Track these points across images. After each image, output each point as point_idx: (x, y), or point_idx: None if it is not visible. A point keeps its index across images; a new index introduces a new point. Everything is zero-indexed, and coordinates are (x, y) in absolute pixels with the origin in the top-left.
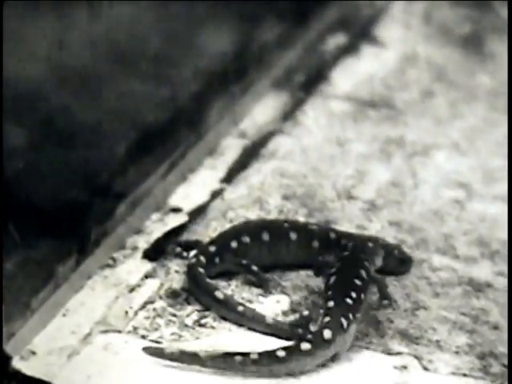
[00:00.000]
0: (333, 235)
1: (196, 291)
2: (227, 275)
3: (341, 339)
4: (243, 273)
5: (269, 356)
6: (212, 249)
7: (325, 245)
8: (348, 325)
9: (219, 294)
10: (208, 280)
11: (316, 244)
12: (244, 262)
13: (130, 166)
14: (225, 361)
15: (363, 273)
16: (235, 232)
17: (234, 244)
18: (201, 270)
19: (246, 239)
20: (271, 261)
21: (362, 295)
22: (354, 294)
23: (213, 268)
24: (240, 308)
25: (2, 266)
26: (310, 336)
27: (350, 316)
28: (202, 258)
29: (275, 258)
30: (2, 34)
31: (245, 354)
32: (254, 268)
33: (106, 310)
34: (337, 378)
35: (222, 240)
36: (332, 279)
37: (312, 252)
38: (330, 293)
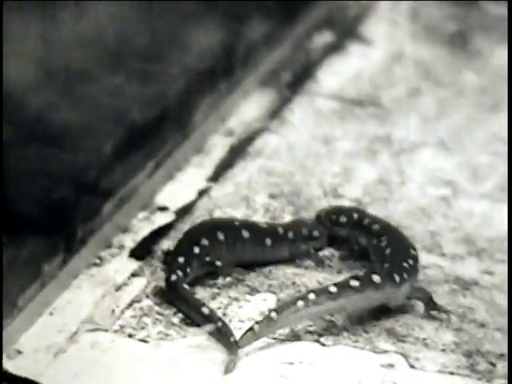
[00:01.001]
0: (281, 230)
1: (185, 309)
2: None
3: (391, 290)
4: (210, 270)
5: (323, 293)
6: (181, 260)
7: (277, 240)
8: (400, 281)
9: (205, 310)
10: (194, 296)
11: (268, 241)
12: (207, 259)
13: (116, 164)
14: (290, 309)
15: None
16: (194, 237)
17: (196, 250)
18: (185, 286)
19: (205, 242)
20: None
21: (418, 266)
22: (410, 261)
23: (186, 278)
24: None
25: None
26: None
27: (405, 275)
28: (180, 273)
29: (234, 256)
30: (2, 34)
31: (304, 298)
32: (218, 263)
33: (92, 309)
34: (324, 375)
35: (186, 248)
36: (387, 250)
37: (265, 249)
38: (386, 256)
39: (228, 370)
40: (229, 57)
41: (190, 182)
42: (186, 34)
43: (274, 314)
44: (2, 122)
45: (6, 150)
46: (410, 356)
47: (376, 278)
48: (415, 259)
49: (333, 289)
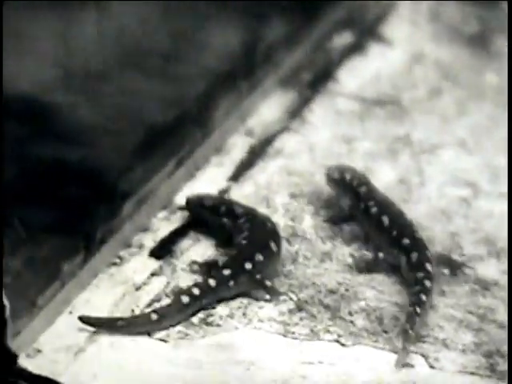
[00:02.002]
0: None
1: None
2: None
3: None
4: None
5: None
6: (226, 272)
7: None
8: None
9: None
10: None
11: None
12: (257, 277)
13: (136, 163)
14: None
15: None
16: (249, 252)
17: (248, 266)
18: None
19: (260, 257)
20: None
21: None
22: None
23: (227, 291)
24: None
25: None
26: None
27: None
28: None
29: None
30: (2, 34)
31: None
32: (268, 283)
33: (112, 308)
34: (343, 375)
35: (237, 262)
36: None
37: None
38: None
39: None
40: (249, 57)
41: (210, 182)
42: (206, 35)
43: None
44: (3, 121)
45: (28, 149)
46: (430, 356)
47: None
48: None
49: None
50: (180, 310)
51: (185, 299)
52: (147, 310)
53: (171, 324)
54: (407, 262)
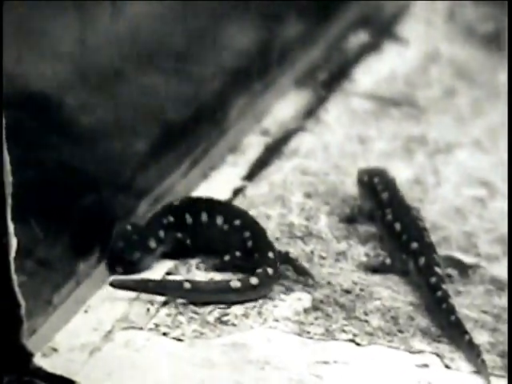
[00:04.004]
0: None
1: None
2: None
3: None
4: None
5: None
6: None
7: None
8: None
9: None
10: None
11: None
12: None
13: (152, 163)
14: None
15: None
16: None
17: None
18: None
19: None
20: None
21: None
22: None
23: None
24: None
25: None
26: None
27: None
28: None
29: None
30: (2, 34)
31: None
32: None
33: (127, 307)
34: (359, 375)
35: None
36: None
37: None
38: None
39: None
40: (264, 56)
41: (225, 181)
42: (221, 34)
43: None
44: (3, 120)
45: (43, 148)
46: (445, 356)
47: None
48: None
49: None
50: (216, 290)
51: (234, 284)
52: (162, 309)
53: (203, 300)
54: (415, 266)
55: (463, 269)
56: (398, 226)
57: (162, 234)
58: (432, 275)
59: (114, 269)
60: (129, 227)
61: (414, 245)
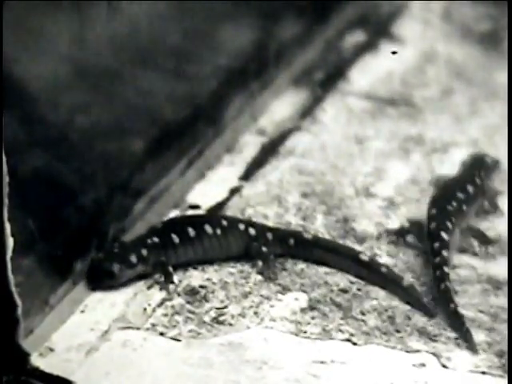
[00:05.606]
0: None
1: None
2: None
3: None
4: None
5: None
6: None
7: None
8: None
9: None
10: None
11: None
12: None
13: (148, 162)
14: None
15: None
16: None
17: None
18: None
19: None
20: None
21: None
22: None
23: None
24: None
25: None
26: None
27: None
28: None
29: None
30: (2, 34)
31: None
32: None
33: (124, 307)
34: (355, 374)
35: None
36: None
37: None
38: None
39: None
40: (261, 56)
41: (222, 181)
42: (218, 33)
43: None
44: (3, 122)
45: (39, 148)
46: (442, 355)
47: None
48: None
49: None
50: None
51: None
52: (159, 309)
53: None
54: (427, 230)
55: (484, 241)
56: None
57: (144, 252)
58: (436, 240)
59: (92, 280)
60: (116, 244)
61: (433, 211)
